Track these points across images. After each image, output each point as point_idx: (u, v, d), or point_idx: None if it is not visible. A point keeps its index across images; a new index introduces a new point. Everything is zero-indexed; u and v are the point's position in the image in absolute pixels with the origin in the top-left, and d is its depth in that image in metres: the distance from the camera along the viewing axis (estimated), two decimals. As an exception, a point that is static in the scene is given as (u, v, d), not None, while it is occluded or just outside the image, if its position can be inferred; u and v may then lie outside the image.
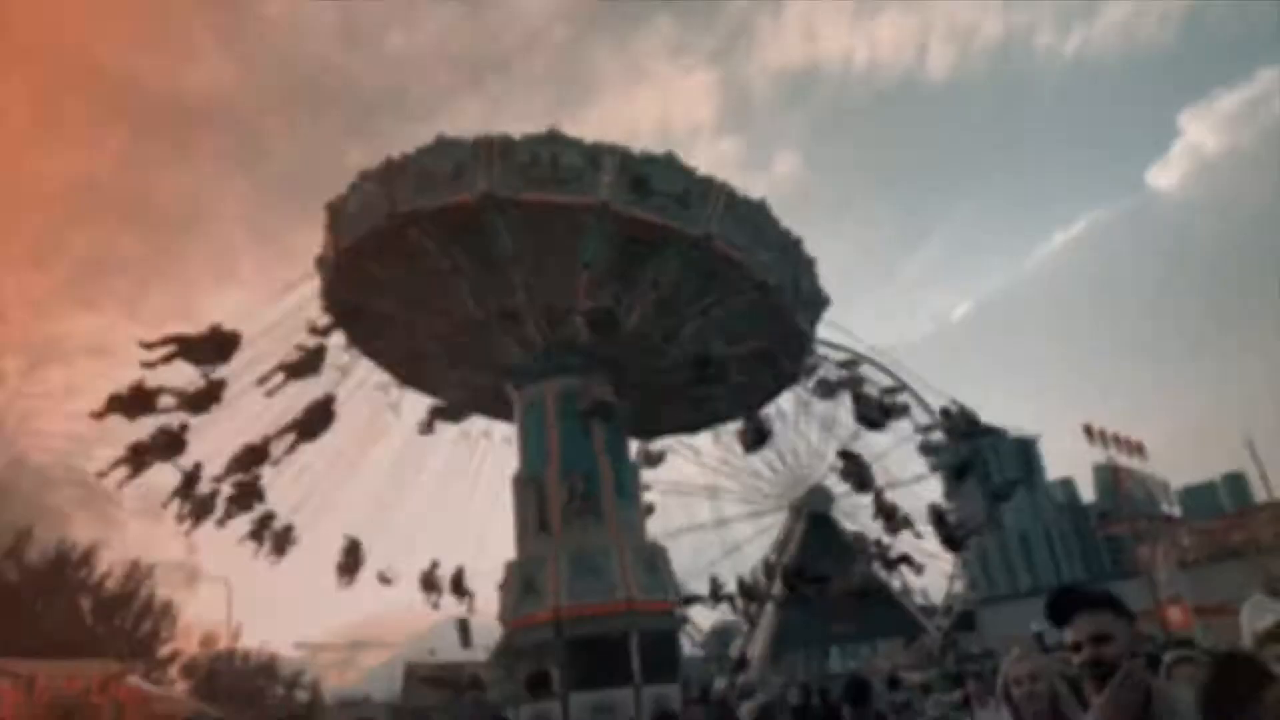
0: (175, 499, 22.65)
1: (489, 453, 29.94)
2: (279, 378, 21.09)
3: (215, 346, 20.09)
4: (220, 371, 21.34)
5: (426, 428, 25.01)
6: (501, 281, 22.69)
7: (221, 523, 23.76)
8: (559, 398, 24.16)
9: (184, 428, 21.70)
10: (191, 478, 22.63)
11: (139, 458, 21.15)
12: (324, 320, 21.33)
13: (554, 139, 21.36)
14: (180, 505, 22.80)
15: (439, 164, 21.56)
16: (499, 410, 28.28)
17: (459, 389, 27.83)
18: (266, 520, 25.70)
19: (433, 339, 24.89)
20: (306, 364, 21.26)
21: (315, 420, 22.96)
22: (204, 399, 20.74)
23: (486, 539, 31.55)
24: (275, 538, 25.99)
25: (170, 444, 21.47)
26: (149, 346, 19.50)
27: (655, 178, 21.20)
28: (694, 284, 22.83)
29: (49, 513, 53.60)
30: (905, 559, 38.76)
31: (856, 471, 29.34)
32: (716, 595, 37.95)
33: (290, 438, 22.80)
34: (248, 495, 23.83)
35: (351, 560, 27.84)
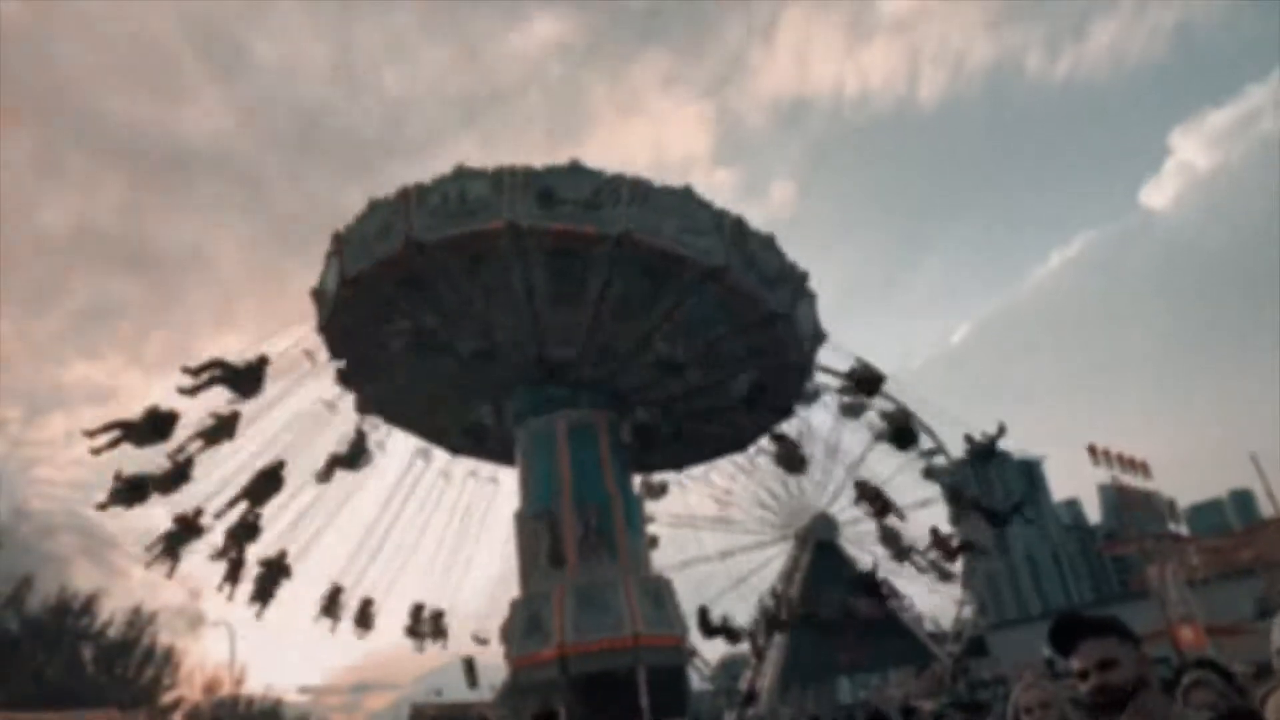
0: (226, 584, 23.59)
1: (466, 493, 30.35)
2: (197, 444, 21.33)
3: (153, 427, 20.44)
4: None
5: (324, 476, 24.61)
6: (464, 326, 23.02)
7: (263, 601, 24.47)
8: (569, 430, 24.26)
9: (199, 512, 22.40)
10: (236, 563, 23.56)
11: (171, 545, 22.00)
12: (196, 376, 21.24)
13: (460, 175, 21.81)
14: (230, 588, 23.71)
15: (371, 225, 22.44)
16: (488, 451, 28.57)
17: (456, 432, 27.96)
18: (336, 595, 26.97)
19: (423, 392, 25.19)
20: (221, 430, 21.48)
21: (263, 487, 23.24)
22: (170, 480, 21.19)
23: (472, 577, 31.62)
24: (359, 614, 27.33)
25: (189, 528, 22.22)
26: (91, 434, 19.97)
27: (561, 187, 21.28)
28: (643, 287, 22.52)
29: (51, 560, 53.30)
30: (967, 546, 34.81)
31: (788, 454, 27.87)
32: (727, 630, 37.34)
33: (243, 505, 23.01)
34: (276, 571, 24.57)
35: (431, 625, 28.85)
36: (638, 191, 21.59)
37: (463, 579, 31.75)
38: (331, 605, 26.97)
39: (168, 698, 42.85)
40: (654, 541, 34.00)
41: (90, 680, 37.17)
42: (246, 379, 21.14)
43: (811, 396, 31.77)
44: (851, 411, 33.20)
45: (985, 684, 42.59)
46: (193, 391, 20.69)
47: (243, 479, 23.12)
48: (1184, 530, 41.11)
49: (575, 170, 21.70)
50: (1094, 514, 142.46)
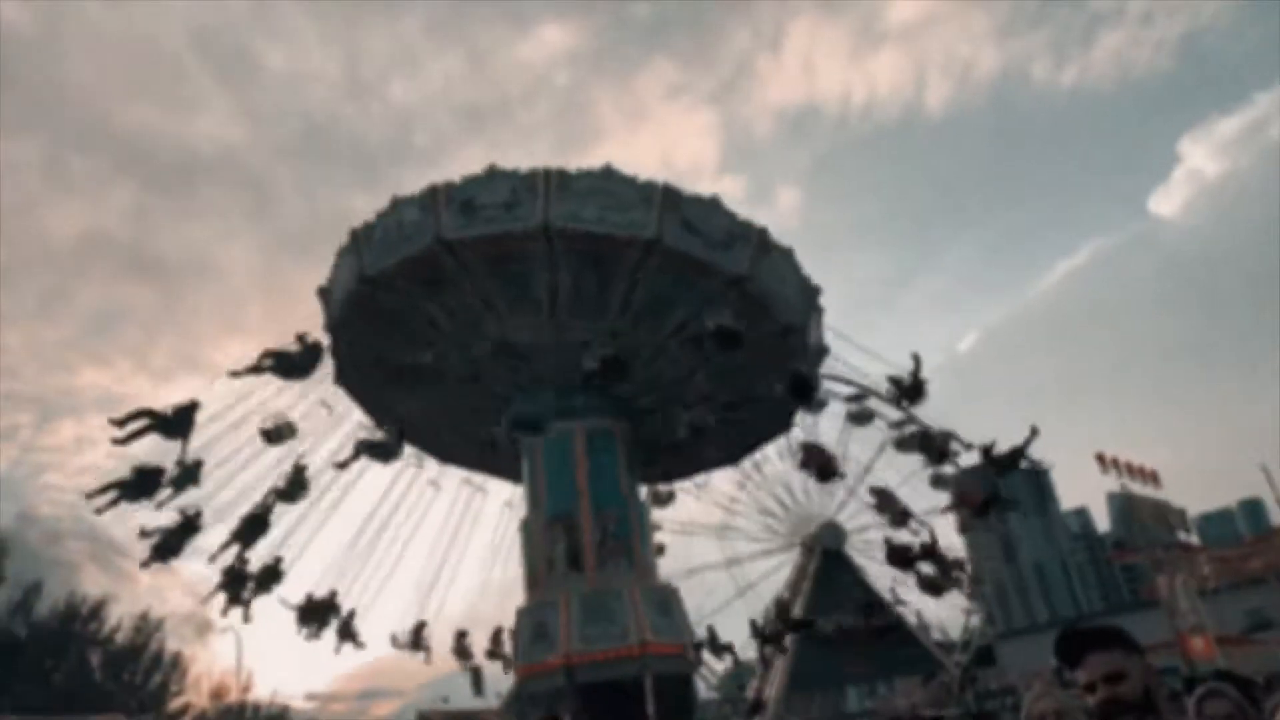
0: (303, 628, 25.75)
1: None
2: (168, 493, 21.82)
3: (141, 482, 21.09)
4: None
5: (264, 509, 24.90)
6: (443, 349, 23.56)
7: (351, 640, 26.60)
8: (586, 436, 24.34)
9: (244, 560, 23.93)
10: (310, 611, 25.56)
11: (233, 595, 23.92)
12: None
13: (396, 204, 22.26)
14: (311, 628, 25.73)
15: (341, 272, 23.60)
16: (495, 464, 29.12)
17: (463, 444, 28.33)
18: (420, 630, 29.18)
19: (440, 421, 26.01)
20: (186, 478, 21.94)
21: (251, 531, 23.99)
22: (183, 532, 22.23)
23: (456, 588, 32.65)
24: (459, 650, 30.06)
25: (238, 576, 23.87)
26: (91, 496, 20.84)
27: (481, 195, 21.37)
28: (592, 279, 22.31)
29: (59, 566, 53.46)
30: (996, 499, 31.82)
31: (694, 435, 25.28)
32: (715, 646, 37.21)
33: (234, 548, 23.81)
34: (327, 610, 26.25)
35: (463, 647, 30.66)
36: (553, 182, 21.35)
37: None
38: (417, 640, 28.79)
39: (174, 704, 42.88)
40: (661, 550, 33.94)
41: (97, 686, 37.21)
42: (176, 424, 21.20)
43: (818, 405, 31.42)
44: (859, 419, 33.02)
45: (993, 694, 42.37)
46: (124, 441, 20.81)
47: (293, 530, 25.01)
48: (1194, 539, 40.87)
49: (493, 175, 21.73)
50: (1103, 523, 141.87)
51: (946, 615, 50.81)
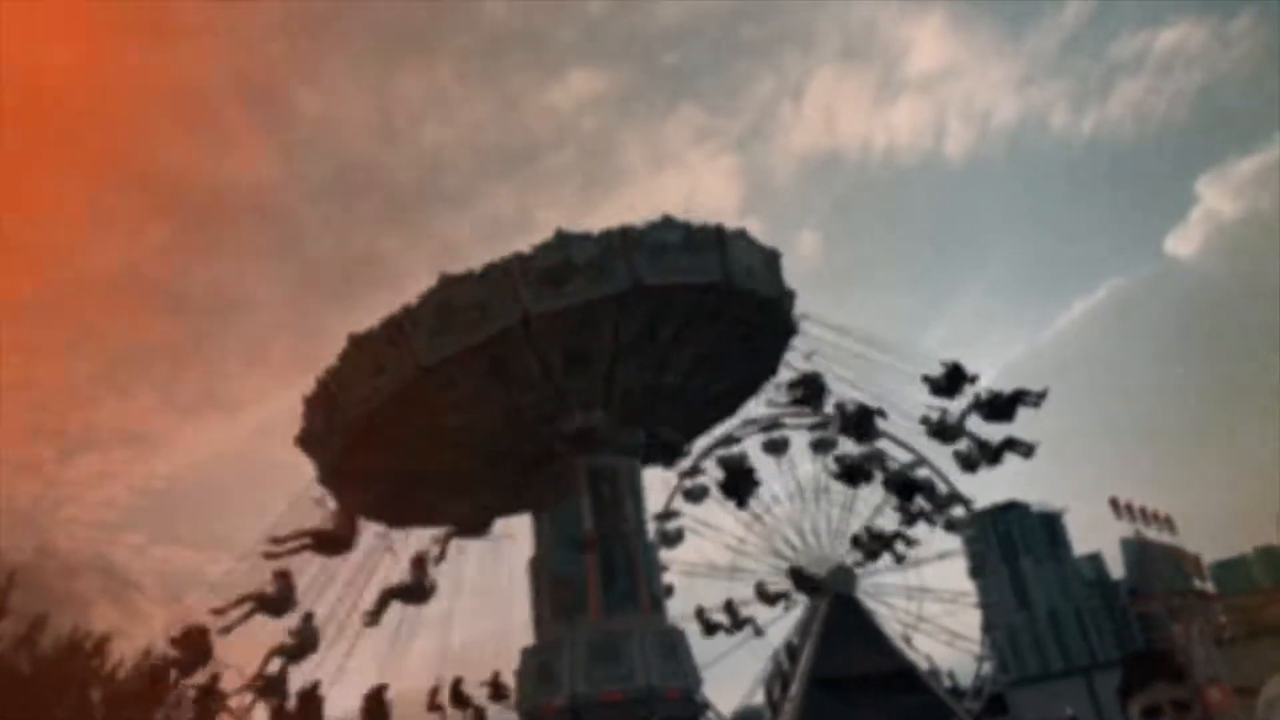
0: None
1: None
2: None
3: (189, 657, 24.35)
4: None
5: (375, 616, 25.38)
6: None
7: None
8: (589, 474, 24.15)
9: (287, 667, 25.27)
10: None
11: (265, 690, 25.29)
12: None
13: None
14: None
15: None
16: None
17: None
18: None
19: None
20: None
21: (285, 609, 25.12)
22: (192, 660, 24.50)
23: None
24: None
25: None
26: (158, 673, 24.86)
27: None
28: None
29: (73, 601, 53.19)
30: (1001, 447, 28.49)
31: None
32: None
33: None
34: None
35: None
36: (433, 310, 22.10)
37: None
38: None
39: (176, 742, 42.42)
40: (669, 590, 33.65)
41: (98, 723, 36.87)
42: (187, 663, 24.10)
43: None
44: (881, 454, 32.88)
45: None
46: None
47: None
48: (1210, 587, 40.33)
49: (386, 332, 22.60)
50: (1117, 569, 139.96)
51: (958, 662, 50.12)
